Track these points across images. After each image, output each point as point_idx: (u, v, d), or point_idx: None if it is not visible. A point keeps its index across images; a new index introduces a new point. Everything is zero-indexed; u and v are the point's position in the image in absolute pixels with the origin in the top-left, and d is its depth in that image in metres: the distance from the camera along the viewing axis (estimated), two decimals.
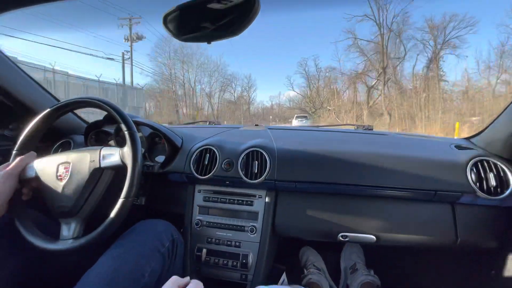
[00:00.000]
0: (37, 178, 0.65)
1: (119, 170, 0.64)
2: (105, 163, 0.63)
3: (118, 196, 0.61)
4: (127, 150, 0.62)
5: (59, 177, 0.64)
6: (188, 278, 0.53)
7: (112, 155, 0.63)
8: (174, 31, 0.65)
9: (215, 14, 0.60)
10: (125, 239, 0.66)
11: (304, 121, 18.00)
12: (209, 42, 0.64)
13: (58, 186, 0.63)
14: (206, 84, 26.94)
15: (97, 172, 0.63)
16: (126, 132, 0.63)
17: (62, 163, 0.65)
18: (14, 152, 0.66)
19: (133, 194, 0.61)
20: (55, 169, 0.64)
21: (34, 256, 0.67)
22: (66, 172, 0.64)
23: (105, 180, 0.65)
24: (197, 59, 25.36)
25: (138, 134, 0.66)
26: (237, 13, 0.59)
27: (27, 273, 0.66)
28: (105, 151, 0.64)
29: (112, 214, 0.60)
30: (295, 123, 18.17)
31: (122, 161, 0.63)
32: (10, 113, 0.85)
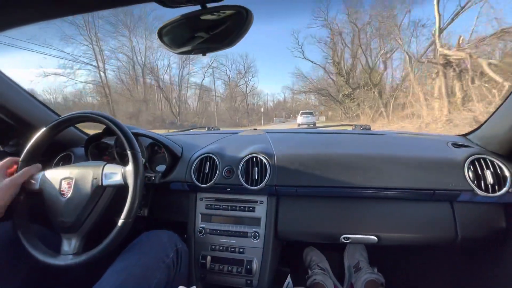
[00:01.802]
0: (40, 191, 0.66)
1: (120, 188, 0.65)
2: (107, 182, 0.64)
3: (119, 213, 0.62)
4: (129, 170, 0.63)
5: (61, 193, 0.64)
6: None
7: (114, 174, 0.64)
8: (169, 44, 0.65)
9: (209, 26, 0.61)
10: (130, 252, 0.67)
11: (309, 118, 18.06)
12: (204, 54, 0.65)
13: (61, 201, 0.64)
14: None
15: (99, 190, 0.64)
16: (129, 152, 0.64)
17: (65, 178, 0.65)
18: (20, 162, 0.67)
19: (133, 215, 0.62)
20: (58, 184, 0.65)
21: (40, 271, 0.68)
22: (68, 188, 0.65)
23: (107, 198, 0.66)
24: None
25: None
26: (231, 24, 0.59)
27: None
28: (107, 169, 0.65)
29: (113, 233, 0.61)
30: (300, 120, 18.27)
31: (124, 180, 0.64)
32: (10, 129, 0.85)
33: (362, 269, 1.13)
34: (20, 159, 0.67)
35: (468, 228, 0.77)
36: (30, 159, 0.68)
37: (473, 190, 0.73)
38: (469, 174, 0.75)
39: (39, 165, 0.69)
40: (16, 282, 0.64)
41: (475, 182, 0.74)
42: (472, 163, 0.76)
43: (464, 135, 0.99)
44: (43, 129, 0.68)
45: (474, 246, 0.87)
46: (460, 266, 0.99)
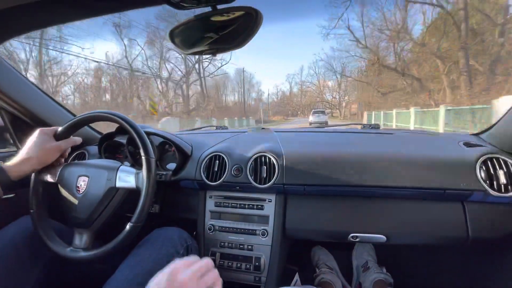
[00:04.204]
0: (57, 185, 0.69)
1: (132, 191, 0.68)
2: (121, 184, 0.67)
3: (129, 212, 0.65)
4: (142, 175, 0.65)
5: (77, 189, 0.67)
6: (193, 256, 0.52)
7: (128, 178, 0.67)
8: (180, 45, 0.67)
9: (219, 27, 0.62)
10: (142, 248, 0.69)
11: (321, 117, 17.92)
12: (214, 55, 0.66)
13: (76, 197, 0.67)
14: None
15: (112, 191, 0.67)
16: (143, 158, 0.66)
17: (81, 176, 0.68)
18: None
19: (142, 220, 0.64)
20: (75, 179, 0.68)
21: (59, 264, 0.71)
22: (84, 185, 0.67)
23: (119, 199, 0.68)
24: None
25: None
26: (241, 25, 0.60)
27: (49, 282, 0.70)
28: (121, 172, 0.67)
29: (122, 236, 0.64)
30: (312, 119, 18.18)
31: (136, 185, 0.66)
32: (30, 129, 0.89)
33: (371, 268, 1.13)
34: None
35: (480, 229, 0.76)
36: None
37: (485, 190, 0.72)
38: (481, 174, 0.73)
39: (80, 139, 0.75)
40: (35, 275, 0.67)
41: (488, 182, 0.73)
42: (485, 162, 0.75)
43: (477, 134, 0.97)
44: (60, 129, 0.71)
45: (485, 246, 0.86)
46: (470, 266, 0.97)
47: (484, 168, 0.74)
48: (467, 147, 0.84)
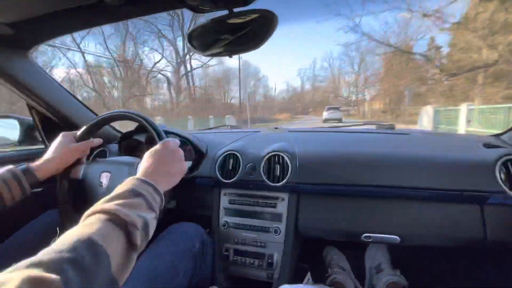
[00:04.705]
0: (82, 181, 0.73)
1: None
2: None
3: None
4: None
5: (100, 184, 0.71)
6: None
7: None
8: (198, 47, 0.70)
9: (235, 29, 0.64)
10: (160, 241, 0.73)
11: (336, 113, 17.66)
12: (230, 56, 0.68)
13: (99, 192, 0.71)
14: None
15: None
16: None
17: (104, 172, 0.72)
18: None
19: (160, 213, 0.67)
20: (98, 175, 0.72)
21: None
22: (106, 181, 0.71)
23: None
24: None
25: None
26: (256, 26, 0.62)
27: None
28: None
29: None
30: (326, 115, 17.96)
31: None
32: (57, 128, 0.95)
33: (384, 270, 1.11)
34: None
35: (498, 231, 0.74)
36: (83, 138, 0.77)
37: (505, 192, 0.70)
38: (501, 176, 0.72)
39: (100, 139, 0.80)
40: None
41: (508, 184, 0.71)
42: (505, 164, 0.73)
43: (497, 135, 0.94)
44: (83, 128, 0.75)
45: (503, 249, 0.83)
46: (486, 270, 0.95)
47: (504, 169, 0.72)
48: (487, 148, 0.82)
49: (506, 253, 0.87)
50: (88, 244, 0.33)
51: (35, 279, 0.25)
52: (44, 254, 0.30)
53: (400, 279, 1.05)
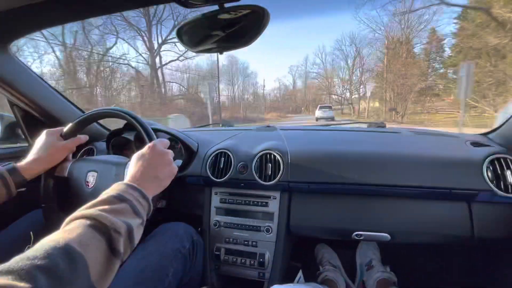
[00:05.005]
0: (68, 179, 0.71)
1: None
2: None
3: None
4: None
5: (86, 183, 0.69)
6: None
7: None
8: (187, 43, 0.68)
9: (226, 25, 0.63)
10: (149, 242, 0.71)
11: (328, 112, 17.74)
12: (221, 53, 0.67)
13: (85, 191, 0.69)
14: None
15: None
16: None
17: (90, 171, 0.70)
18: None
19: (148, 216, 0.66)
20: (84, 174, 0.70)
21: None
22: (93, 180, 0.69)
23: None
24: None
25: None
26: (247, 23, 0.61)
27: None
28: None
29: None
30: (318, 114, 17.97)
31: None
32: (41, 126, 0.91)
33: (375, 267, 1.13)
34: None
35: (485, 228, 0.76)
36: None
37: (492, 190, 0.72)
38: (488, 174, 0.73)
39: (87, 136, 0.77)
40: None
41: (495, 182, 0.72)
42: (492, 162, 0.74)
43: (485, 134, 0.96)
44: (70, 125, 0.73)
45: (490, 246, 0.85)
46: (475, 265, 0.97)
47: (491, 168, 0.74)
48: (475, 146, 0.83)
49: (493, 250, 0.89)
50: (65, 251, 0.31)
51: None
52: (16, 261, 0.28)
53: (391, 275, 1.06)
